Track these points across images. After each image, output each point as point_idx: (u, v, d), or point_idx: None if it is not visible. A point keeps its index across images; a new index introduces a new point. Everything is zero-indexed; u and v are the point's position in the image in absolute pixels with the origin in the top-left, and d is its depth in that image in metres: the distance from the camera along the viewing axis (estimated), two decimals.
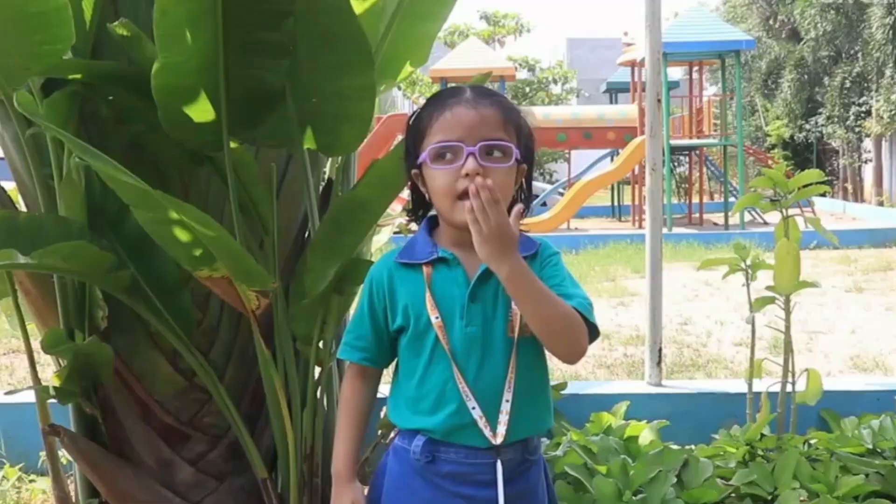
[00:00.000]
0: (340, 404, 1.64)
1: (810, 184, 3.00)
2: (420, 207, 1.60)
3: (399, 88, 25.36)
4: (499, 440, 1.47)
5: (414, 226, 1.64)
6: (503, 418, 1.47)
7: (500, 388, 1.48)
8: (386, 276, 1.55)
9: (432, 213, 1.59)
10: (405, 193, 1.77)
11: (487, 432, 1.47)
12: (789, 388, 3.02)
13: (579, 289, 1.52)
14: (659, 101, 3.66)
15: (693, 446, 3.01)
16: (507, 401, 1.48)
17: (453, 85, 1.65)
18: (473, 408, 1.47)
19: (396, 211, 2.72)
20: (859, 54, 23.60)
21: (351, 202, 2.12)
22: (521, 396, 1.49)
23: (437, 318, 1.48)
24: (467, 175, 1.42)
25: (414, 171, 1.54)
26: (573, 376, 5.04)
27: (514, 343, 1.49)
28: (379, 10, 2.37)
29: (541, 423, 1.56)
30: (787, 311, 3.01)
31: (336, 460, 1.61)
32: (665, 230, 6.86)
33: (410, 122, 1.55)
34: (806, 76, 25.07)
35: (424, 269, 1.51)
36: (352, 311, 2.75)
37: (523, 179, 1.57)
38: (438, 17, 2.53)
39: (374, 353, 1.59)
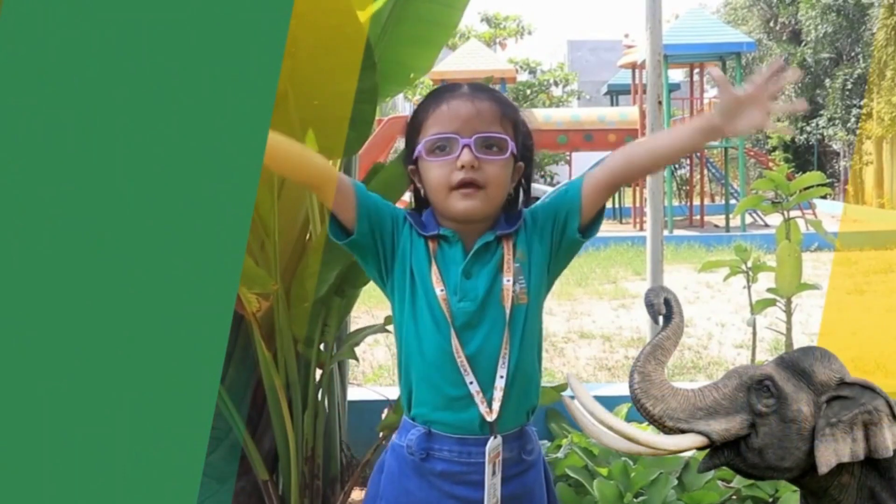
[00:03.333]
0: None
1: (811, 186, 3.01)
2: (421, 206, 1.59)
3: None
4: (493, 416, 1.47)
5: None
6: (497, 394, 1.48)
7: (495, 365, 1.49)
8: (405, 223, 1.53)
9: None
10: (406, 196, 1.77)
11: (483, 408, 1.47)
12: None
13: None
14: (660, 103, 3.66)
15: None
16: (502, 377, 1.49)
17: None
18: (471, 382, 1.47)
19: None
20: (860, 56, 23.59)
21: None
22: (514, 373, 1.50)
23: (441, 290, 1.48)
24: (462, 167, 1.43)
25: (411, 167, 1.54)
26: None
27: (506, 319, 1.49)
28: (384, 16, 2.37)
29: (532, 399, 1.56)
30: (788, 313, 3.01)
31: None
32: (666, 232, 6.86)
33: (409, 121, 1.55)
34: (807, 78, 25.05)
35: (430, 243, 1.52)
36: (353, 313, 2.76)
37: (523, 179, 1.58)
38: (446, 24, 2.52)
39: (364, 210, 1.49)
